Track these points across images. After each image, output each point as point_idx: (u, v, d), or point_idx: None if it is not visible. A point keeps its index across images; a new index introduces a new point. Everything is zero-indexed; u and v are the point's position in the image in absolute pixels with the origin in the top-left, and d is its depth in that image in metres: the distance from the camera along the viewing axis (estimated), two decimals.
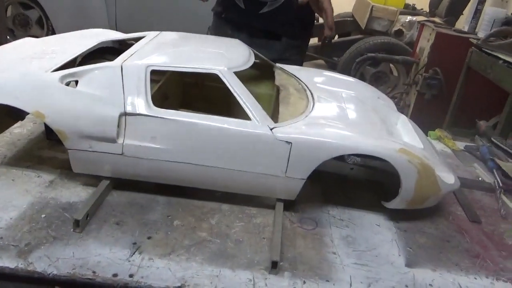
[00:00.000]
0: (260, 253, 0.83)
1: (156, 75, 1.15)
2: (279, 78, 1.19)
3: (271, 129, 0.86)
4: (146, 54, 0.96)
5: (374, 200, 1.01)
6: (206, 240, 0.84)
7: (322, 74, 1.30)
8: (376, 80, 4.04)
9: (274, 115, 0.97)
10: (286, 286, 0.76)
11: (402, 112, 1.11)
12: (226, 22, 1.56)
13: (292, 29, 1.52)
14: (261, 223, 0.91)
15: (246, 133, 0.86)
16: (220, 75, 0.90)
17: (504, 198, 1.18)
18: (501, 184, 1.23)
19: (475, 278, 0.86)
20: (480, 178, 1.28)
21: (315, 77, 1.23)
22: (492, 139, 1.52)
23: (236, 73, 0.93)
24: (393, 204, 0.95)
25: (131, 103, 0.86)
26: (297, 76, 1.22)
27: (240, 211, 0.94)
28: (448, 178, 0.97)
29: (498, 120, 2.08)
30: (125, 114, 0.86)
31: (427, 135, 1.55)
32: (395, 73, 4.04)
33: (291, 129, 0.88)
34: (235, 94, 0.89)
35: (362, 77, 4.04)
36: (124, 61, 0.91)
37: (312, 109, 1.00)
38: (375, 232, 0.95)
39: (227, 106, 1.39)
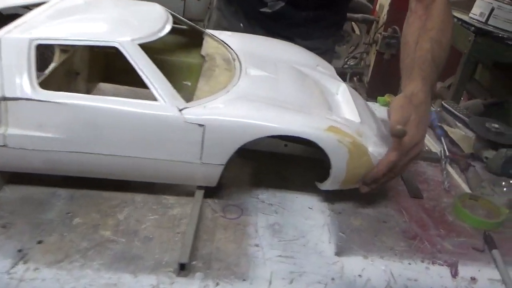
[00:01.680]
0: (171, 252, 0.73)
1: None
2: (207, 47, 1.06)
3: (180, 110, 0.75)
4: (35, 25, 0.81)
5: (310, 180, 0.92)
6: (109, 241, 0.74)
7: (258, 40, 1.17)
8: (338, 39, 3.92)
9: (192, 92, 0.85)
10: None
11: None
12: (237, 15, 1.42)
13: (306, 30, 1.37)
14: (178, 214, 0.82)
15: (151, 116, 0.74)
16: (120, 48, 0.77)
17: (449, 168, 1.12)
18: (447, 154, 1.17)
19: (409, 264, 0.80)
20: (426, 148, 1.21)
21: (250, 44, 1.11)
22: (443, 103, 1.45)
23: (143, 44, 0.81)
24: (326, 186, 0.87)
25: (11, 85, 0.73)
26: (229, 43, 1.09)
27: (156, 202, 0.84)
28: (383, 154, 0.89)
29: (453, 81, 2.02)
30: (5, 98, 0.72)
31: (376, 101, 1.47)
32: (358, 31, 3.93)
33: (205, 109, 0.77)
34: (138, 71, 0.76)
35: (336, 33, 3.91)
36: (6, 33, 0.77)
37: (237, 82, 0.88)
38: (306, 217, 0.87)
39: None
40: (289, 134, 0.77)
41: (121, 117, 0.74)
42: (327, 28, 1.40)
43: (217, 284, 0.69)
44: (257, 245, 0.78)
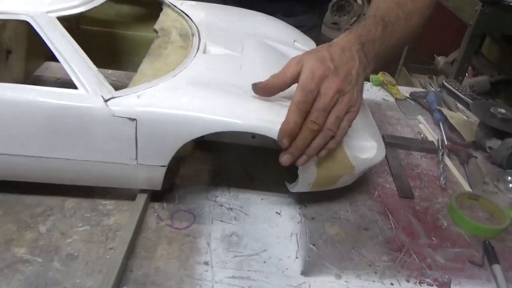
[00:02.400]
0: (97, 275, 0.60)
1: None
2: (164, 20, 0.90)
3: (106, 101, 0.60)
4: None
5: (281, 179, 0.78)
6: (21, 261, 0.60)
7: (227, 11, 1.01)
8: (338, 10, 3.71)
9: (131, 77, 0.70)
10: None
11: None
12: None
13: (288, 5, 1.17)
14: (115, 224, 0.68)
15: (69, 108, 0.59)
16: (32, 22, 0.62)
17: (447, 161, 0.97)
18: (446, 143, 1.02)
19: (392, 285, 0.66)
20: (422, 135, 1.06)
21: (216, 16, 0.95)
22: (444, 82, 1.29)
23: (66, 16, 0.65)
24: (295, 188, 0.72)
25: None
26: (192, 15, 0.93)
27: (90, 208, 0.70)
28: (366, 150, 0.74)
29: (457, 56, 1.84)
30: None
31: (368, 81, 1.31)
32: (360, 1, 3.70)
33: (139, 99, 0.62)
34: (54, 52, 0.61)
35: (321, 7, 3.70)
36: None
37: (188, 64, 0.73)
38: (272, 225, 0.73)
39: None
40: (239, 130, 0.62)
41: (28, 110, 0.59)
42: (311, 0, 1.22)
43: None
44: (206, 263, 0.64)
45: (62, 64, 0.61)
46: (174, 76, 0.69)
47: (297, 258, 0.68)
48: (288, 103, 0.67)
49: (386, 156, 0.93)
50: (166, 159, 0.64)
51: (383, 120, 1.11)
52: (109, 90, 0.61)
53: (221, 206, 0.75)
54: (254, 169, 0.85)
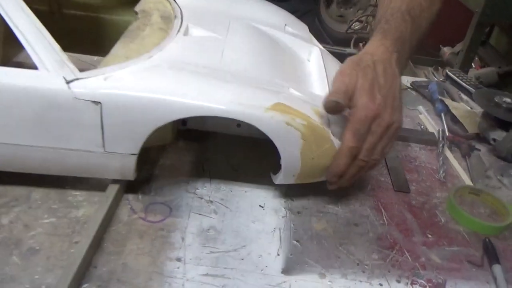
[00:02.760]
0: (58, 270, 0.55)
1: None
2: (146, 1, 0.85)
3: (68, 83, 0.55)
4: None
5: (266, 170, 0.73)
6: None
7: None
8: (345, 2, 3.62)
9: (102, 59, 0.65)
10: None
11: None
12: None
13: None
14: (83, 217, 0.63)
15: (30, 90, 0.55)
16: None
17: (447, 153, 0.91)
18: (447, 134, 0.96)
19: (381, 285, 0.61)
20: (422, 126, 1.00)
21: None
22: (447, 71, 1.23)
23: None
24: (279, 179, 0.67)
25: None
26: None
27: (58, 199, 0.66)
28: None
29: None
30: None
31: None
32: None
33: (106, 81, 0.57)
34: (13, 29, 0.56)
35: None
36: None
37: (166, 46, 0.68)
38: (254, 219, 0.68)
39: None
40: (213, 114, 0.57)
41: None
42: None
43: None
44: (179, 259, 0.60)
45: (21, 42, 0.56)
46: (150, 57, 0.64)
47: (278, 255, 0.63)
48: (269, 83, 0.62)
49: None
50: (136, 147, 0.59)
51: None
52: (72, 71, 0.56)
53: (201, 198, 0.71)
54: (239, 160, 0.79)
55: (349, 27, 3.31)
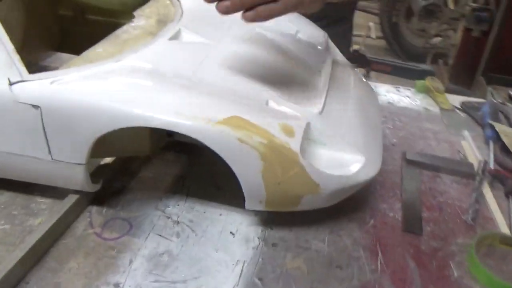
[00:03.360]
0: None
1: None
2: (151, 5, 0.83)
3: (11, 84, 0.52)
4: None
5: None
6: None
7: None
8: (427, 15, 3.36)
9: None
10: None
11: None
12: None
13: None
14: (38, 226, 0.60)
15: None
16: None
17: (486, 190, 0.75)
18: (491, 166, 0.79)
19: None
20: (461, 155, 0.84)
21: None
22: (510, 92, 1.03)
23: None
24: (248, 204, 0.58)
25: None
26: (184, 0, 0.83)
27: (22, 205, 0.63)
28: (344, 165, 0.58)
29: None
30: None
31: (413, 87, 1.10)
32: (452, 5, 3.31)
33: (52, 84, 0.53)
34: None
35: (409, 12, 3.40)
36: None
37: (140, 50, 0.63)
38: (219, 247, 0.60)
39: None
40: (154, 126, 0.50)
41: None
42: None
43: None
44: (117, 285, 0.53)
45: None
46: (117, 61, 0.60)
47: None
48: (242, 100, 0.54)
49: (401, 178, 0.75)
50: (81, 156, 0.54)
51: (416, 132, 0.91)
52: (20, 73, 0.53)
53: (168, 218, 0.64)
54: (225, 178, 0.71)
55: (427, 42, 3.08)
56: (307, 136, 0.59)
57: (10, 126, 0.53)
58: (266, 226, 0.64)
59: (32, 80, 0.53)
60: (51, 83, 0.53)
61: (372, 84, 1.10)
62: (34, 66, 0.98)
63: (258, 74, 0.65)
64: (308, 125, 0.58)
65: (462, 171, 0.79)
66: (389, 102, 1.03)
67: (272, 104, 0.59)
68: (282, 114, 0.57)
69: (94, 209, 0.64)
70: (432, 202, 0.72)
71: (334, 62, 0.77)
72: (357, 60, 2.95)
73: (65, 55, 1.04)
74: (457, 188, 0.76)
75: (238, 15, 0.80)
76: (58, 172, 0.57)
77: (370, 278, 0.57)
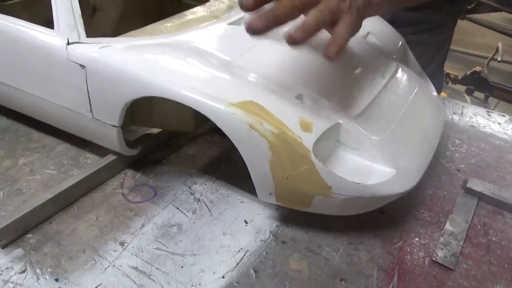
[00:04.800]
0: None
1: None
2: None
3: (68, 44, 0.58)
4: None
5: None
6: None
7: None
8: None
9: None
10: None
11: None
12: None
13: None
14: (77, 174, 0.66)
15: (40, 45, 0.60)
16: None
17: None
18: None
19: None
20: None
21: None
22: None
23: None
24: (260, 195, 0.57)
25: None
26: None
27: (72, 157, 0.71)
28: (367, 173, 0.53)
29: None
30: None
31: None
32: None
33: (100, 49, 0.58)
34: None
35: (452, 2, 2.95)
36: None
37: (194, 30, 0.66)
38: (227, 231, 0.60)
39: None
40: (172, 98, 0.52)
41: (15, 41, 0.62)
42: None
43: (23, 271, 0.52)
44: (122, 243, 0.57)
45: (52, 4, 0.61)
46: (167, 37, 0.63)
47: (223, 277, 0.53)
48: (271, 88, 0.54)
49: (453, 206, 0.67)
50: (115, 118, 0.58)
51: (492, 163, 0.79)
52: (79, 35, 0.59)
53: (192, 194, 0.66)
54: None
55: None
56: (336, 137, 0.56)
57: (63, 82, 0.60)
58: (282, 223, 0.62)
59: (86, 43, 0.59)
60: (101, 47, 0.58)
61: (460, 104, 1.00)
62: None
63: (303, 67, 0.64)
64: (337, 125, 0.55)
65: None
66: (472, 126, 0.92)
67: (305, 98, 0.57)
68: (310, 110, 0.54)
69: (130, 172, 0.69)
70: (481, 239, 0.63)
71: (401, 71, 0.71)
72: (477, 82, 2.67)
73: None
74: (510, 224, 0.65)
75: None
76: (97, 131, 0.62)
77: None
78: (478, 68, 2.59)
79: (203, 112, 0.51)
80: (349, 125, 0.56)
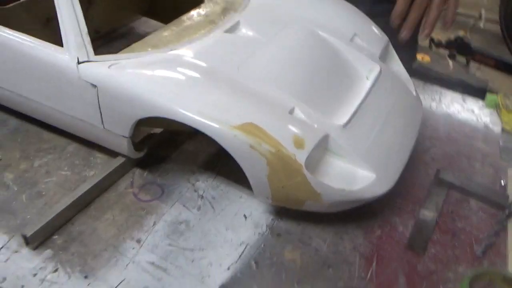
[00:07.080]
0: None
1: None
2: None
3: (79, 63, 0.63)
4: None
5: None
6: (3, 185, 0.70)
7: None
8: None
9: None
10: (31, 266, 0.60)
11: None
12: None
13: None
14: (92, 176, 0.73)
15: (51, 64, 0.65)
16: None
17: (511, 226, 0.73)
18: None
19: None
20: (503, 184, 0.82)
21: None
22: None
23: None
24: (256, 194, 0.65)
25: None
26: None
27: (83, 157, 0.77)
28: (349, 180, 0.61)
29: None
30: None
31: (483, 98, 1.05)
32: None
33: (109, 68, 0.63)
34: (57, 10, 0.66)
35: None
36: None
37: (194, 42, 0.71)
38: (230, 226, 0.68)
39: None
40: (181, 121, 0.58)
41: (28, 58, 0.66)
42: None
43: (55, 270, 0.60)
44: (138, 241, 0.65)
45: (59, 21, 0.65)
46: (171, 50, 0.68)
47: (228, 269, 0.62)
48: (266, 106, 0.60)
49: (425, 195, 0.76)
50: (125, 131, 0.65)
51: (464, 151, 0.88)
52: (87, 53, 0.64)
53: (195, 191, 0.74)
54: None
55: None
56: (325, 146, 0.64)
57: (75, 97, 0.65)
58: (277, 216, 0.70)
59: (95, 61, 0.64)
60: (109, 66, 0.63)
61: (438, 91, 1.08)
62: (119, 29, 1.11)
63: (295, 78, 0.70)
64: (325, 137, 0.62)
65: (493, 200, 0.77)
66: (449, 114, 1.00)
67: (297, 112, 0.63)
68: (301, 124, 0.61)
69: (137, 171, 0.76)
70: (448, 225, 0.73)
71: (384, 72, 0.78)
72: (460, 47, 2.72)
73: (150, 20, 1.16)
74: (482, 217, 0.75)
75: (299, 13, 0.84)
76: (108, 139, 0.68)
77: (356, 284, 0.62)
78: (461, 33, 2.64)
79: (207, 133, 0.58)
80: (336, 134, 0.64)
